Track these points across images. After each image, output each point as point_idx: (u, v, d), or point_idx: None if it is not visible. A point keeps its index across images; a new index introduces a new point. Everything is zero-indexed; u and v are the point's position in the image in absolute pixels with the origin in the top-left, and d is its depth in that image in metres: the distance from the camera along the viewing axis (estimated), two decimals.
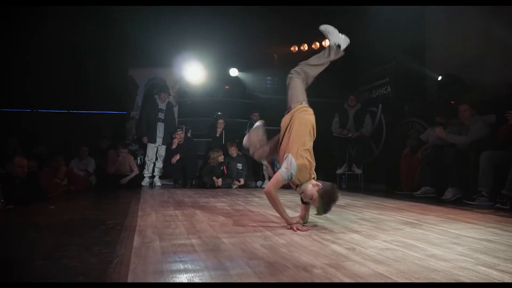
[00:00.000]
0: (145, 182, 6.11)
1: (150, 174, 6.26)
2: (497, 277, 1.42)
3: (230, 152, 6.05)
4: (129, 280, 1.33)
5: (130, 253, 1.70)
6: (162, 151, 6.26)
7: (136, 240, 1.97)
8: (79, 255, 1.68)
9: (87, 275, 1.40)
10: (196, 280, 1.35)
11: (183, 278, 1.36)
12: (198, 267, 1.51)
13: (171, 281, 1.34)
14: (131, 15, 6.62)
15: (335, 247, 1.90)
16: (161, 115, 6.24)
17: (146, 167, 6.22)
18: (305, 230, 2.30)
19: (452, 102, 5.58)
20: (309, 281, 1.35)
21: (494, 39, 5.48)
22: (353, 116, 6.20)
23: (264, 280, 1.35)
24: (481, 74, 5.70)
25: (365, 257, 1.69)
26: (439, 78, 5.88)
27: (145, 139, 6.17)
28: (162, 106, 6.27)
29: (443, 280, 1.37)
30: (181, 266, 1.51)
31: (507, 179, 3.72)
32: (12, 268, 1.52)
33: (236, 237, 2.10)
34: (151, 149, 6.19)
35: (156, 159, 6.29)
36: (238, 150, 6.14)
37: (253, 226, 2.49)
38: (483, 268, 1.53)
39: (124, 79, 6.95)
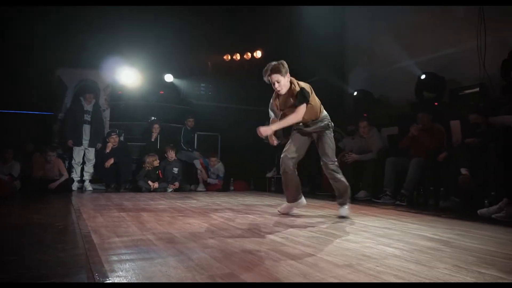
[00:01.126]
0: (75, 186, 5.95)
1: (79, 178, 6.11)
2: (390, 251, 1.93)
3: (167, 156, 6.20)
4: (106, 268, 1.54)
5: (95, 247, 1.89)
6: (90, 154, 6.14)
7: (95, 237, 2.14)
8: (46, 252, 1.82)
9: (67, 265, 1.58)
10: (164, 264, 1.62)
11: (154, 263, 1.61)
12: (162, 255, 1.77)
13: (143, 266, 1.59)
14: (61, 12, 6.40)
15: (272, 236, 2.29)
16: (87, 117, 6.11)
17: (74, 171, 6.06)
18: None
19: (365, 114, 6.44)
20: (256, 260, 1.71)
21: (398, 62, 6.50)
22: None
23: (220, 261, 1.67)
24: (389, 92, 6.71)
25: (296, 243, 2.11)
26: (354, 93, 6.74)
27: (70, 142, 5.99)
28: (88, 107, 6.14)
29: (354, 255, 1.84)
30: (147, 255, 1.76)
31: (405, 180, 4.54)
32: None
33: (186, 232, 2.38)
34: (77, 152, 6.03)
35: (84, 162, 6.16)
36: (175, 154, 6.31)
37: (198, 223, 2.78)
38: (381, 246, 2.05)
39: (52, 78, 6.64)
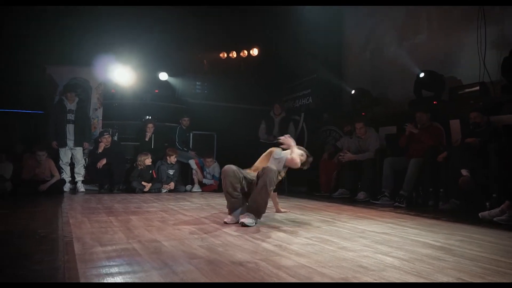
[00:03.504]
0: (67, 187, 5.81)
1: (70, 179, 5.95)
2: (389, 261, 1.82)
3: (169, 161, 6.05)
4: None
5: (75, 259, 1.77)
6: (78, 154, 5.93)
7: (77, 247, 2.02)
8: (20, 264, 1.70)
9: (40, 280, 1.46)
10: (146, 279, 1.51)
11: (135, 279, 1.50)
12: (145, 268, 1.65)
13: (124, 281, 1.47)
14: (51, 8, 6.25)
15: (265, 245, 2.18)
16: (70, 116, 5.87)
17: (64, 171, 5.88)
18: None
19: (363, 113, 6.33)
20: (245, 274, 1.59)
21: (397, 60, 6.38)
22: (279, 123, 6.65)
23: (206, 275, 1.56)
24: (388, 90, 6.59)
25: (290, 252, 1.99)
26: (353, 91, 6.62)
27: (54, 144, 5.79)
28: (71, 106, 5.90)
29: (350, 266, 1.72)
30: (129, 268, 1.65)
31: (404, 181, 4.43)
32: None
33: (174, 240, 2.26)
34: (63, 152, 5.84)
35: (74, 164, 5.98)
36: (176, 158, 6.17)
37: (189, 229, 2.66)
38: (380, 255, 1.93)
39: (42, 76, 6.48)
